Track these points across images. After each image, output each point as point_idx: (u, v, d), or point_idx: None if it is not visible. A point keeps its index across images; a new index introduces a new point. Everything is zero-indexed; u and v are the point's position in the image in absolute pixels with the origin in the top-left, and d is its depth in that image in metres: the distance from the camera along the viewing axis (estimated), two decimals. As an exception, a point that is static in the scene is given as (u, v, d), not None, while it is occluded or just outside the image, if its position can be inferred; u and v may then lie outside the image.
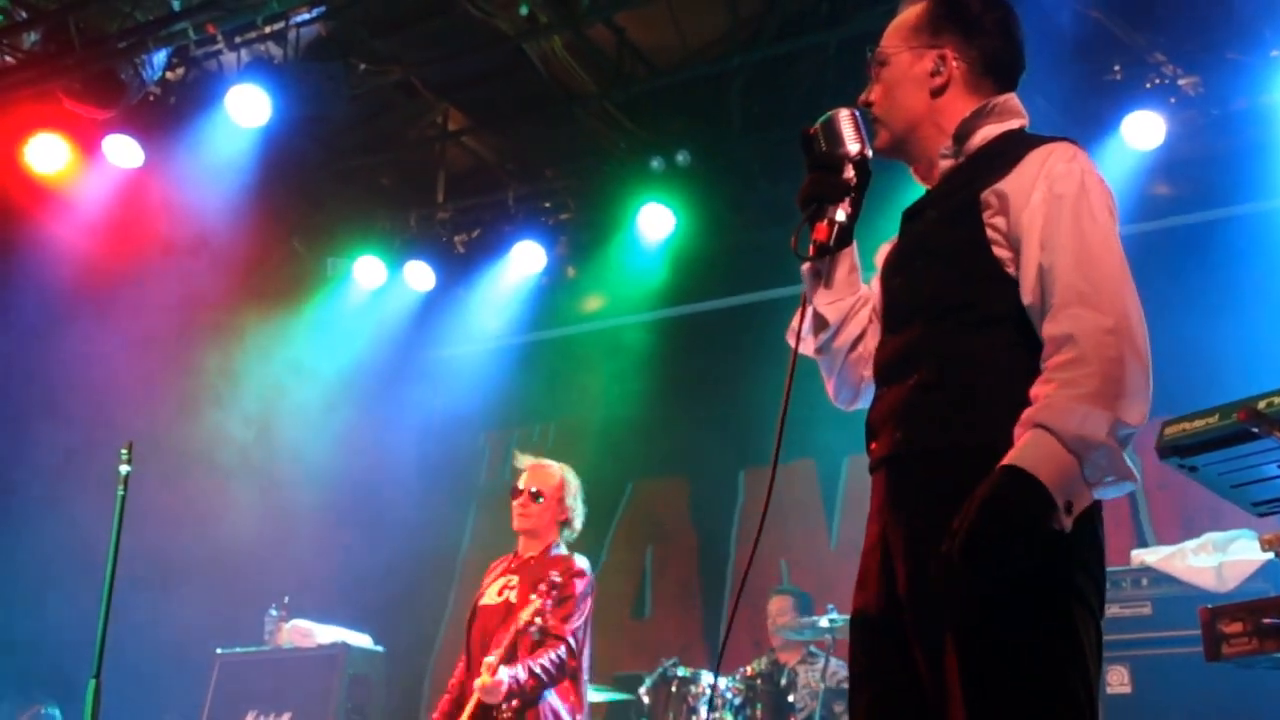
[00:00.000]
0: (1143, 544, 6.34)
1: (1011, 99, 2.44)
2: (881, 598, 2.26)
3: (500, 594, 4.89)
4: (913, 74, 2.43)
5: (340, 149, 7.88)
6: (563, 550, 4.95)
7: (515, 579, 4.90)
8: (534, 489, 4.95)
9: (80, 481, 6.67)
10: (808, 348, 2.58)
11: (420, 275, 8.07)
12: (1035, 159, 2.25)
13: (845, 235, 2.50)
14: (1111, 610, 5.42)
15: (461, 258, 8.14)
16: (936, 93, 2.41)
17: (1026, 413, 2.06)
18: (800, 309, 2.57)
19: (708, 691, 5.69)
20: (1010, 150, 2.31)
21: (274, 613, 7.23)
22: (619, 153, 7.62)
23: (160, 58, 6.69)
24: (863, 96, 2.52)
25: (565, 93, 7.27)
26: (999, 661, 2.05)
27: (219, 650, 7.15)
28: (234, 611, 7.39)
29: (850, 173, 2.46)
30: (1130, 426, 2.05)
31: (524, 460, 5.13)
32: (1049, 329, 2.11)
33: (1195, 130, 6.44)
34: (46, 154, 7.05)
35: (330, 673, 6.92)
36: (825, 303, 2.52)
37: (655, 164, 7.25)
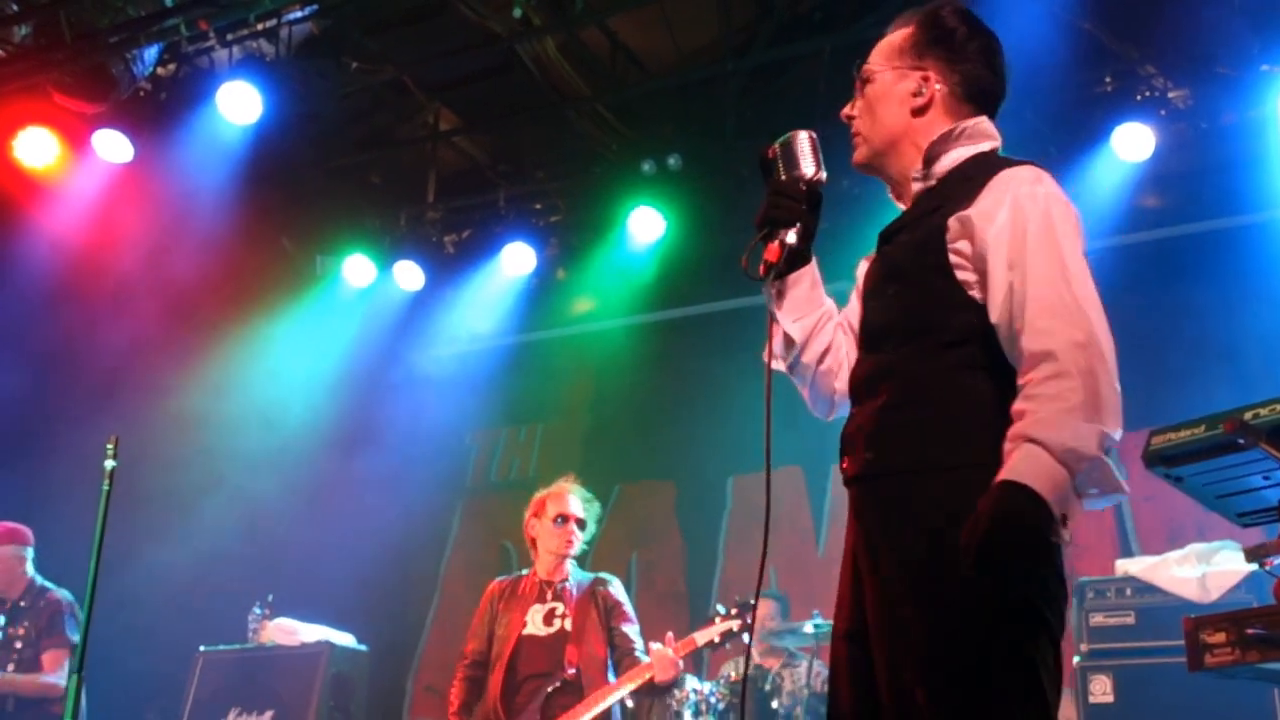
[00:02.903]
0: (1127, 554, 6.36)
1: (983, 122, 2.48)
2: (851, 620, 2.32)
3: (549, 623, 5.17)
4: (895, 93, 2.48)
5: (331, 147, 7.87)
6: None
7: (560, 605, 5.20)
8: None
9: (63, 476, 6.64)
10: (780, 365, 2.62)
11: (409, 275, 8.06)
12: (1000, 182, 2.30)
13: (796, 257, 2.55)
14: (1095, 619, 5.44)
15: (451, 258, 8.14)
16: (917, 113, 2.46)
17: (1015, 427, 2.10)
18: (770, 329, 2.60)
19: (691, 696, 5.69)
20: (977, 174, 2.35)
21: (257, 611, 7.20)
22: (610, 155, 7.62)
23: (152, 53, 6.67)
24: (846, 110, 2.58)
25: (557, 95, 7.27)
26: (961, 694, 2.09)
27: (201, 647, 7.12)
28: (217, 609, 7.37)
29: (805, 197, 2.52)
30: (1114, 438, 2.10)
31: (571, 486, 5.45)
32: (1027, 344, 2.14)
33: (1184, 143, 6.47)
34: (36, 148, 7.01)
35: (313, 671, 6.89)
36: (790, 321, 2.57)
37: (646, 167, 7.25)
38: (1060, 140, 6.51)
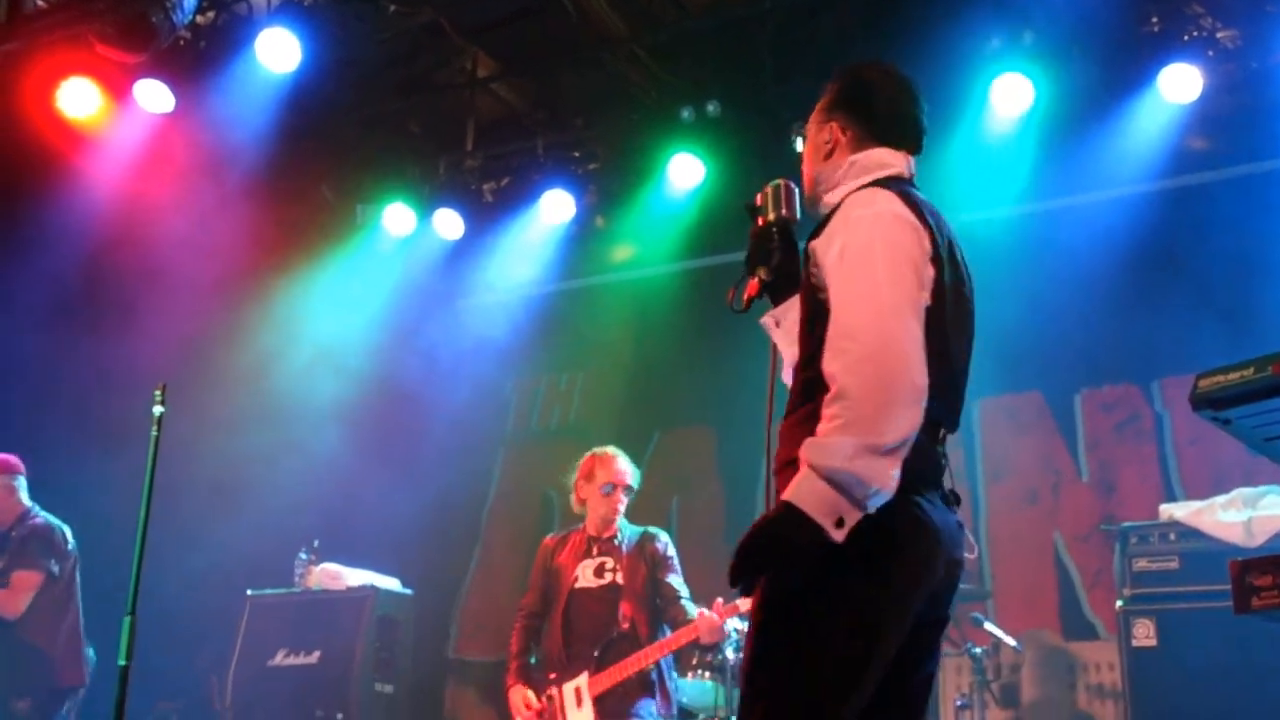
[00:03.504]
0: (1171, 499, 6.33)
1: (875, 154, 2.78)
2: None
3: (600, 575, 5.42)
4: (814, 142, 2.91)
5: (370, 94, 7.86)
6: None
7: (610, 560, 5.45)
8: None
9: (113, 423, 6.73)
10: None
11: (449, 223, 8.06)
12: (842, 208, 2.60)
13: (780, 288, 2.94)
14: (1139, 564, 5.45)
15: (490, 206, 8.13)
16: (826, 156, 2.86)
17: (800, 449, 2.35)
18: (771, 354, 3.02)
19: (734, 635, 5.74)
20: (843, 204, 2.63)
21: (304, 556, 7.32)
22: (649, 102, 7.58)
23: (191, 1, 6.67)
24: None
25: (595, 36, 7.22)
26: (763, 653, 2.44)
27: (249, 591, 7.24)
28: (265, 554, 7.48)
29: (777, 237, 2.94)
30: (887, 444, 2.29)
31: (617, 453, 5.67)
32: (824, 366, 2.40)
33: (1233, 84, 6.35)
34: (78, 98, 7.05)
35: (358, 614, 7.01)
36: (785, 345, 2.94)
37: (685, 114, 7.20)
38: (1106, 82, 6.41)
